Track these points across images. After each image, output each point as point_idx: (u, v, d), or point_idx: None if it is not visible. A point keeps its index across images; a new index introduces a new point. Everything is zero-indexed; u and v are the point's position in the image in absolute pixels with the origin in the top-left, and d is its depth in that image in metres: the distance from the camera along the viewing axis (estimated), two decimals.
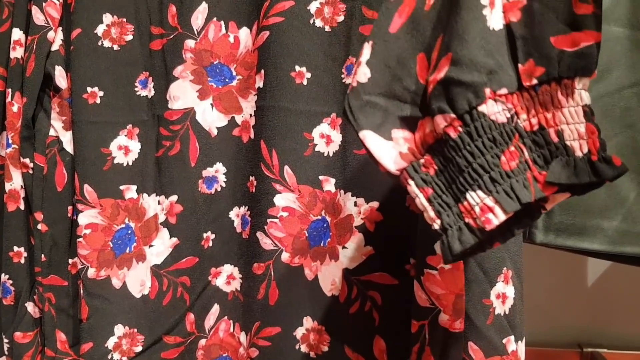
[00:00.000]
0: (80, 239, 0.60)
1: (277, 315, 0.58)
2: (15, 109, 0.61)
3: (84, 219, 0.60)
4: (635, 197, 0.62)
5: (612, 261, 0.67)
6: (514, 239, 0.53)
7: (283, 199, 0.57)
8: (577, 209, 0.62)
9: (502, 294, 0.50)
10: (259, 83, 0.58)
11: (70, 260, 0.62)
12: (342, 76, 0.57)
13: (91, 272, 0.60)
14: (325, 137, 0.57)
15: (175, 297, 0.61)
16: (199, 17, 0.59)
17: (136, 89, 0.61)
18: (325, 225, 0.57)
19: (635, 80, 0.61)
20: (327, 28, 0.56)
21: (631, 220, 0.62)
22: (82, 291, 0.60)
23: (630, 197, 0.62)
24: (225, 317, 0.62)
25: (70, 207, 0.62)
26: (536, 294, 1.03)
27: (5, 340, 0.64)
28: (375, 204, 0.55)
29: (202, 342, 0.63)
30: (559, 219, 0.63)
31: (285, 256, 0.58)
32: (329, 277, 0.57)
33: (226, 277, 0.62)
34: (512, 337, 0.50)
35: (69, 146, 0.61)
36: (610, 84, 0.62)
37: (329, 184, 0.57)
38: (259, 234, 0.59)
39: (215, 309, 0.63)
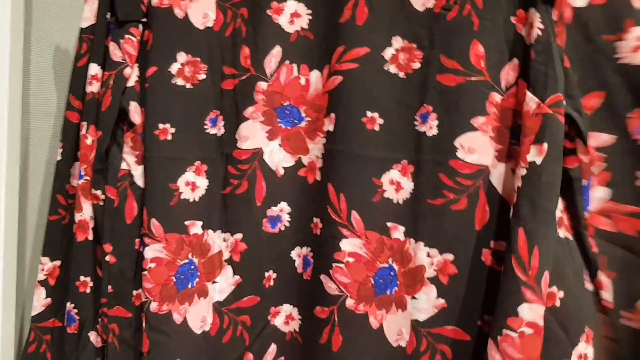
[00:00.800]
0: (145, 273, 0.60)
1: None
2: (89, 141, 0.63)
3: (149, 252, 0.60)
4: None
5: None
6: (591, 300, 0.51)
7: (349, 244, 0.57)
8: None
9: (584, 355, 0.48)
10: (329, 126, 0.58)
11: (134, 292, 0.63)
12: (415, 124, 0.56)
13: (153, 306, 0.60)
14: (395, 183, 0.56)
15: (235, 336, 0.61)
16: (272, 60, 0.59)
17: (206, 127, 0.62)
18: (392, 273, 0.56)
19: None
20: (401, 74, 0.56)
21: None
22: (144, 324, 0.60)
23: None
24: (282, 358, 0.62)
25: (137, 240, 0.63)
26: None
27: None
28: (449, 257, 0.54)
29: None
30: None
31: (349, 302, 0.57)
32: (394, 326, 0.56)
33: (285, 317, 0.62)
34: None
35: (139, 180, 0.62)
36: None
37: (398, 232, 0.56)
38: (323, 277, 0.58)
39: (273, 348, 0.62)
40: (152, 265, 0.61)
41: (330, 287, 0.58)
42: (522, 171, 0.50)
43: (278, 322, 0.62)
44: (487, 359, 0.49)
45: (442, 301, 0.55)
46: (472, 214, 0.53)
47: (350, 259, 0.57)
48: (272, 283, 0.62)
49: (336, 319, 0.58)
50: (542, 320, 0.46)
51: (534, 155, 0.50)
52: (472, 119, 0.54)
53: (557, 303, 0.49)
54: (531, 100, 0.50)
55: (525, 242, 0.47)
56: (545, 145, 0.49)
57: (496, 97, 0.54)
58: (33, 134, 0.68)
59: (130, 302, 0.63)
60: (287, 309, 0.62)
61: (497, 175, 0.54)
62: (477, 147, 0.54)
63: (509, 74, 0.54)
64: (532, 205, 0.48)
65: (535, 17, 0.51)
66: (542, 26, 0.51)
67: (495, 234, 0.53)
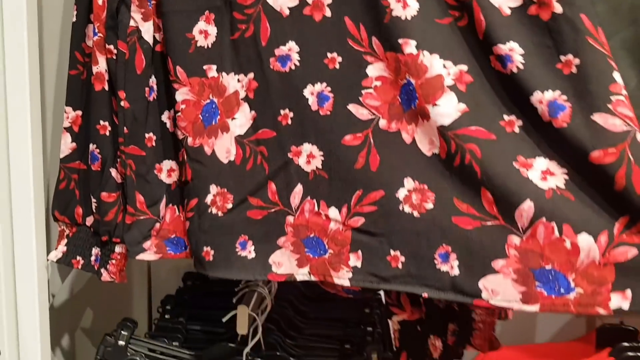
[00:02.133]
0: (179, 113, 0.70)
1: (380, 180, 0.64)
2: (100, 2, 0.72)
3: (179, 96, 0.70)
4: (635, 85, 0.71)
5: None
6: None
7: (375, 69, 0.64)
8: None
9: None
10: None
11: (146, 135, 0.74)
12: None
13: (189, 141, 0.70)
14: (402, 1, 0.62)
15: (255, 164, 0.70)
16: None
17: None
18: (411, 87, 0.62)
19: None
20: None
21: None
22: (185, 157, 0.71)
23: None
24: (308, 197, 0.68)
25: (147, 89, 0.73)
26: None
27: (94, 200, 0.77)
28: (464, 67, 0.61)
29: (290, 219, 0.69)
30: None
31: (382, 123, 0.64)
32: (425, 137, 0.63)
33: (306, 157, 0.68)
34: None
35: (147, 35, 0.71)
36: None
37: (410, 47, 0.61)
38: (352, 106, 0.65)
39: (299, 188, 0.68)
40: (183, 106, 0.70)
41: (362, 114, 0.65)
42: None
43: (301, 161, 0.68)
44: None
45: (463, 106, 0.60)
46: (473, 27, 0.61)
47: (378, 83, 0.64)
48: (289, 122, 0.68)
49: (372, 141, 0.64)
50: None
51: None
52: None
53: None
54: None
55: None
56: None
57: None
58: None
59: (143, 142, 0.74)
60: (307, 147, 0.67)
61: None
62: None
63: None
64: None
65: None
66: None
67: (496, 40, 0.60)
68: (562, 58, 0.58)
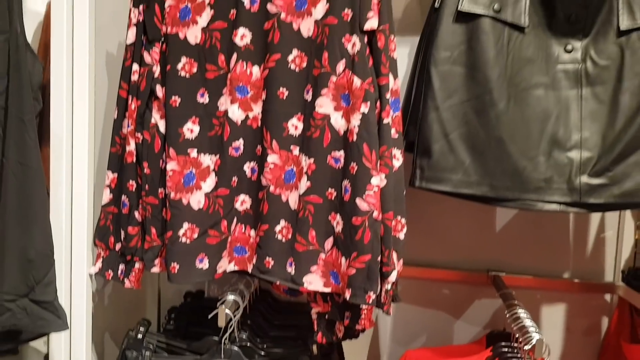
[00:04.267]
0: (167, 177, 1.12)
1: (268, 218, 1.09)
2: (133, 107, 1.14)
3: (169, 166, 1.11)
4: (469, 162, 1.11)
5: (459, 197, 1.15)
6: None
7: (272, 157, 1.08)
8: (437, 168, 1.11)
9: None
10: (264, 96, 1.09)
11: (159, 190, 1.15)
12: (304, 94, 1.07)
13: (172, 195, 1.11)
14: (294, 126, 1.07)
15: (215, 210, 1.12)
16: (232, 61, 1.10)
17: (197, 98, 1.12)
18: (293, 172, 1.08)
19: (468, 97, 1.10)
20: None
21: (467, 174, 1.11)
22: (168, 204, 1.12)
23: (466, 161, 1.11)
24: (240, 224, 1.13)
25: (161, 161, 1.14)
26: (460, 236, 1.54)
27: (122, 233, 1.17)
28: (312, 161, 1.06)
29: (229, 239, 1.13)
30: (427, 173, 1.12)
31: (271, 188, 1.09)
32: (294, 199, 1.08)
33: (241, 202, 1.13)
34: None
35: (162, 129, 1.13)
36: (454, 99, 1.10)
37: (296, 150, 1.08)
38: (262, 177, 1.09)
39: (235, 220, 1.13)
40: (171, 173, 1.11)
41: (263, 180, 1.10)
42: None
43: (237, 205, 1.13)
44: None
45: (309, 183, 1.06)
46: (322, 137, 1.04)
47: (272, 165, 1.08)
48: (235, 184, 1.13)
49: (265, 196, 1.09)
50: None
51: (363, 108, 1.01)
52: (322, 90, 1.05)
53: None
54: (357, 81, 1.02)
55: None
56: (368, 103, 1.01)
57: (333, 78, 1.04)
58: (100, 105, 1.20)
59: (157, 194, 1.14)
60: (242, 197, 1.13)
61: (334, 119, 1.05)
62: (324, 104, 1.05)
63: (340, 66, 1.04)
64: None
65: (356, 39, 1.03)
66: (359, 45, 1.02)
67: (332, 148, 1.04)
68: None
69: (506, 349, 1.19)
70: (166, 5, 1.11)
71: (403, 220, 1.07)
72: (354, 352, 1.49)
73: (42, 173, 1.00)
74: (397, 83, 1.08)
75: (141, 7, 1.13)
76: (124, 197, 1.16)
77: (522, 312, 1.16)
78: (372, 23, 1.02)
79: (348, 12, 1.03)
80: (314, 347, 1.23)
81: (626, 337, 1.40)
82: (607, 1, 1.07)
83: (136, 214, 1.15)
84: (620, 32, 1.06)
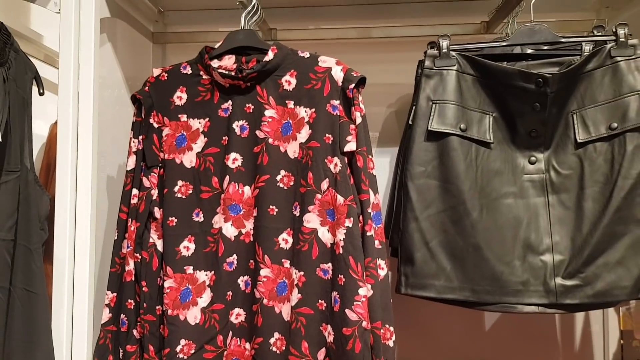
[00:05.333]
0: (165, 294, 1.17)
1: (261, 331, 1.13)
2: (132, 228, 1.21)
3: (167, 283, 1.17)
4: (450, 268, 1.17)
5: (443, 303, 1.20)
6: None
7: (265, 271, 1.15)
8: (420, 275, 1.18)
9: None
10: (255, 214, 1.17)
11: (157, 307, 1.20)
12: (292, 210, 1.16)
13: (169, 312, 1.16)
14: (284, 240, 1.15)
15: (211, 324, 1.17)
16: (225, 182, 1.20)
17: (193, 218, 1.20)
18: (285, 284, 1.14)
19: (444, 207, 1.18)
20: (285, 188, 1.17)
21: (449, 280, 1.17)
22: (165, 321, 1.16)
23: (447, 268, 1.17)
24: (235, 338, 1.17)
25: (158, 279, 1.20)
26: (451, 336, 1.57)
27: (121, 351, 1.20)
28: (302, 274, 1.12)
29: (225, 353, 1.18)
30: (411, 280, 1.18)
31: (265, 301, 1.15)
32: (286, 311, 1.14)
33: (236, 315, 1.18)
34: None
35: (160, 247, 1.20)
36: (431, 210, 1.19)
37: (287, 264, 1.15)
38: (255, 290, 1.15)
39: (231, 334, 1.17)
40: (168, 290, 1.17)
41: (256, 293, 1.15)
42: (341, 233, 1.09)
43: (232, 318, 1.18)
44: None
45: (300, 295, 1.12)
46: (311, 250, 1.12)
47: (265, 278, 1.15)
48: (230, 298, 1.18)
49: (260, 310, 1.15)
50: None
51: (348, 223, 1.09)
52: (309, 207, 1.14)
53: None
54: (340, 198, 1.11)
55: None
56: (352, 218, 1.09)
57: (318, 196, 1.14)
58: (100, 227, 1.27)
59: (155, 312, 1.19)
60: (237, 310, 1.18)
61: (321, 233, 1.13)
62: (311, 219, 1.13)
63: (324, 185, 1.14)
64: None
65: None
66: (340, 165, 1.12)
67: (321, 260, 1.11)
68: None
69: None
70: (163, 134, 1.22)
71: (391, 328, 1.12)
72: None
73: (47, 298, 1.05)
74: (378, 197, 1.16)
75: (140, 137, 1.23)
76: (122, 316, 1.21)
77: None
78: (350, 146, 1.13)
79: (329, 137, 1.14)
80: None
81: None
82: (563, 117, 1.18)
83: (134, 332, 1.19)
84: (577, 144, 1.17)
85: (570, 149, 1.17)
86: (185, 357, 1.14)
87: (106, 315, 1.23)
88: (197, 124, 1.22)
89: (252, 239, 1.18)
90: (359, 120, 1.13)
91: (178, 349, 1.15)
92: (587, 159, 1.16)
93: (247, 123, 1.20)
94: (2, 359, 0.97)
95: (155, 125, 1.23)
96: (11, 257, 0.98)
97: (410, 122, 1.25)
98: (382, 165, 1.59)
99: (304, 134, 1.16)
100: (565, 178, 1.17)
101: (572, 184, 1.16)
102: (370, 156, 1.16)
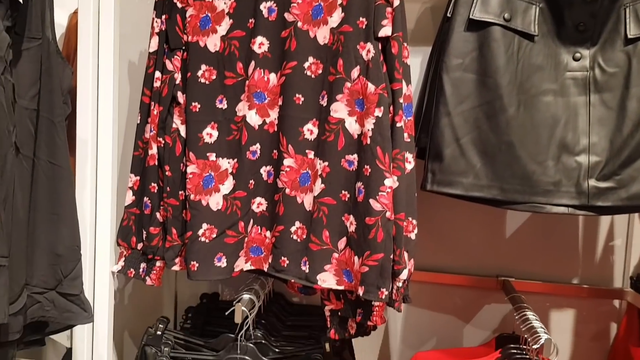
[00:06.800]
0: (187, 180, 1.16)
1: (284, 220, 1.12)
2: (155, 112, 1.19)
3: (189, 169, 1.16)
4: (480, 166, 1.14)
5: (469, 201, 1.18)
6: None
7: (288, 161, 1.12)
8: (448, 171, 1.15)
9: None
10: (280, 103, 1.13)
11: (180, 192, 1.19)
12: (319, 100, 1.11)
13: (192, 197, 1.15)
14: (309, 130, 1.11)
15: (233, 211, 1.16)
16: (251, 68, 1.15)
17: (217, 104, 1.17)
18: (308, 174, 1.12)
19: (479, 103, 1.13)
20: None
21: (477, 178, 1.14)
22: (188, 205, 1.16)
23: (477, 165, 1.14)
24: (256, 225, 1.16)
25: (181, 164, 1.18)
26: (470, 241, 1.56)
27: (144, 232, 1.21)
28: (327, 164, 1.09)
29: (246, 239, 1.17)
30: (438, 177, 1.15)
31: (287, 190, 1.13)
32: (308, 201, 1.12)
33: (257, 204, 1.17)
34: None
35: (183, 133, 1.17)
36: (466, 105, 1.14)
37: (311, 154, 1.11)
38: (278, 180, 1.13)
39: (252, 222, 1.16)
40: (191, 175, 1.16)
41: (279, 183, 1.13)
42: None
43: (254, 207, 1.17)
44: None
45: (323, 185, 1.09)
46: (336, 141, 1.08)
47: (288, 168, 1.12)
48: (252, 187, 1.16)
49: (282, 198, 1.13)
50: None
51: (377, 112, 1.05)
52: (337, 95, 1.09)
53: None
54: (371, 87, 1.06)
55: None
56: (382, 107, 1.05)
57: (348, 84, 1.09)
58: (123, 110, 1.25)
59: (178, 196, 1.18)
60: (259, 199, 1.16)
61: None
62: (339, 109, 1.09)
63: (354, 73, 1.08)
64: None
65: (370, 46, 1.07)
66: (373, 52, 1.06)
67: (346, 151, 1.08)
68: None
69: (515, 351, 1.22)
70: (187, 14, 1.17)
71: (414, 222, 1.10)
72: (364, 354, 1.52)
73: (71, 172, 1.05)
74: (410, 89, 1.11)
75: (163, 17, 1.18)
76: (146, 199, 1.21)
77: (530, 314, 1.19)
78: (386, 30, 1.06)
79: (363, 20, 1.07)
80: (327, 345, 1.26)
81: (635, 342, 1.41)
82: (615, 10, 1.10)
83: (158, 214, 1.20)
84: (627, 40, 1.09)
85: (619, 45, 1.10)
86: (207, 241, 1.15)
87: (129, 197, 1.23)
88: (222, 4, 1.16)
89: (276, 129, 1.14)
90: (396, 2, 1.06)
91: (200, 232, 1.15)
92: (636, 57, 1.09)
93: (275, 5, 1.13)
94: (27, 229, 0.98)
95: (179, 5, 1.17)
96: (34, 128, 0.96)
97: (449, 14, 1.17)
98: (413, 65, 1.52)
99: (335, 18, 1.10)
100: (610, 76, 1.11)
101: (617, 83, 1.10)
102: (405, 43, 1.09)
